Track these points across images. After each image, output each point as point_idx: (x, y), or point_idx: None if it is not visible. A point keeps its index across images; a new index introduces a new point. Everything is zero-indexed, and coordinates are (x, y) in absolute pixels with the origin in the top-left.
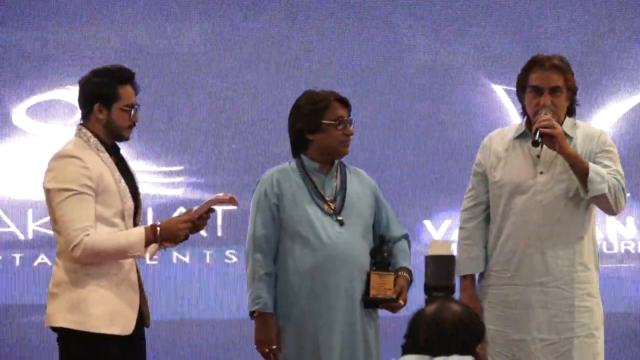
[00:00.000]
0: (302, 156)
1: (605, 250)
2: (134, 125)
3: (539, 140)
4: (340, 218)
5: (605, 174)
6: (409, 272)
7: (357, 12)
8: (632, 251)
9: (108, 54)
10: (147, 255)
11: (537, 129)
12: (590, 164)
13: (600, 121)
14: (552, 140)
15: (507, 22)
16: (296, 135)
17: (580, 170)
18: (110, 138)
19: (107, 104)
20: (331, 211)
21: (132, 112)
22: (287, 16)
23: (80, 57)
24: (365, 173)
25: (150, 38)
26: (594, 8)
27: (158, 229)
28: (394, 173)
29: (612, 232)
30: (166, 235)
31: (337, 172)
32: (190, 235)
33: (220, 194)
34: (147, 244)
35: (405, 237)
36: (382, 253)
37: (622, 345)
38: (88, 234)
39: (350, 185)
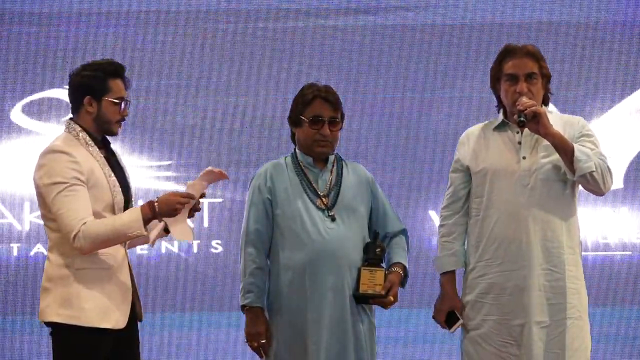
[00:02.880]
0: (297, 150)
1: None
2: (124, 119)
3: (524, 119)
4: (332, 213)
5: (591, 153)
6: (404, 267)
7: (350, 4)
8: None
9: (102, 53)
10: (151, 237)
11: (520, 111)
12: (575, 145)
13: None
14: (536, 119)
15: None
16: (290, 128)
17: (565, 150)
18: (99, 132)
19: (97, 96)
20: (323, 206)
21: (122, 105)
22: (278, 12)
23: (75, 57)
24: (363, 168)
25: (143, 37)
26: None
27: (156, 204)
28: (400, 163)
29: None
30: (164, 210)
31: (333, 166)
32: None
33: (210, 167)
34: (146, 221)
35: (403, 232)
36: (374, 249)
37: None
38: (85, 223)
39: (346, 180)
